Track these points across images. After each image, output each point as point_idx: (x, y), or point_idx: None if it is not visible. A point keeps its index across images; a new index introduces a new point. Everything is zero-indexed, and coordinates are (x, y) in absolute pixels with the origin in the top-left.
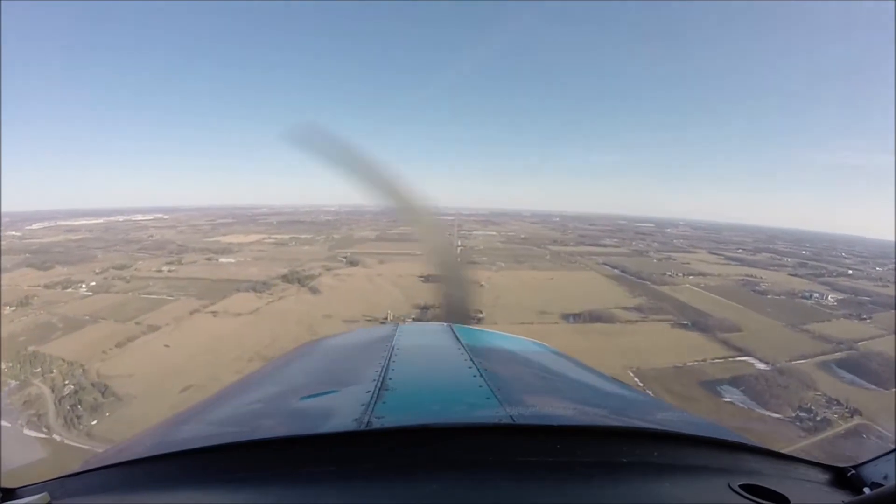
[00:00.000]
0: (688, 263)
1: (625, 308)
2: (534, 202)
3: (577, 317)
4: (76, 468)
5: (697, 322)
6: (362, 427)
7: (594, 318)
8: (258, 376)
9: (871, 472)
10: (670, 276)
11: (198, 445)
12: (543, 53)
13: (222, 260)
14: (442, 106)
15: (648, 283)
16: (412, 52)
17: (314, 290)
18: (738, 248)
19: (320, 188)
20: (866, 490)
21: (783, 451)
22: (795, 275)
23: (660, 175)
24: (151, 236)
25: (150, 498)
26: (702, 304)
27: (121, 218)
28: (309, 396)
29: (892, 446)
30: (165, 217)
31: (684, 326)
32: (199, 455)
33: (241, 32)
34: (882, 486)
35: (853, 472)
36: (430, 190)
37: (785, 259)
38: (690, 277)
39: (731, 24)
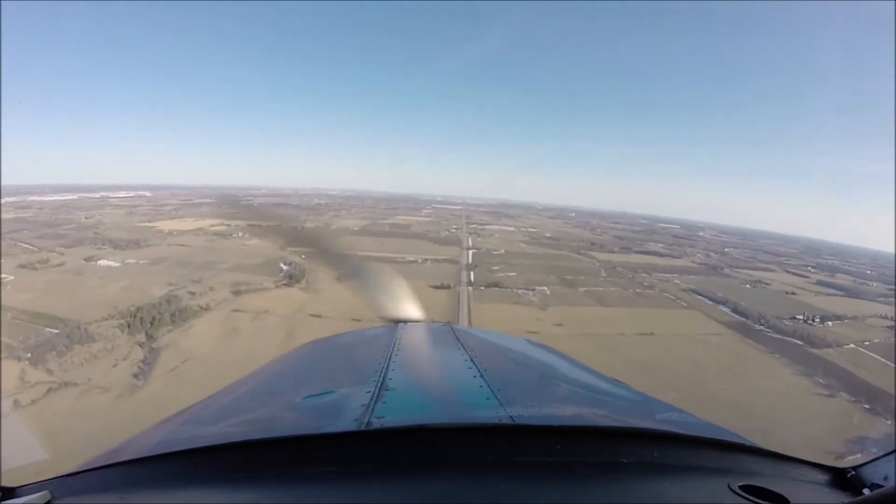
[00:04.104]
0: (793, 294)
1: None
2: (543, 195)
3: None
4: (76, 467)
5: None
6: (362, 427)
7: None
8: (258, 376)
9: (870, 473)
10: (805, 322)
11: (198, 445)
12: (551, 44)
13: (104, 262)
14: (448, 93)
15: (799, 342)
16: (417, 39)
17: (150, 360)
18: (808, 267)
19: (328, 171)
20: (866, 491)
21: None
22: None
23: (668, 174)
24: (87, 218)
25: (150, 498)
26: None
27: (98, 194)
28: (309, 396)
29: (893, 447)
30: (148, 195)
31: None
32: (199, 455)
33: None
34: (882, 486)
35: (853, 472)
36: (435, 178)
37: (870, 284)
38: (829, 324)
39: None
